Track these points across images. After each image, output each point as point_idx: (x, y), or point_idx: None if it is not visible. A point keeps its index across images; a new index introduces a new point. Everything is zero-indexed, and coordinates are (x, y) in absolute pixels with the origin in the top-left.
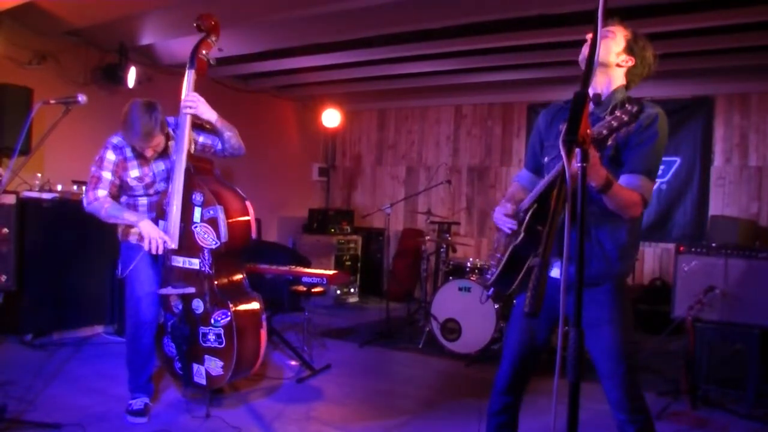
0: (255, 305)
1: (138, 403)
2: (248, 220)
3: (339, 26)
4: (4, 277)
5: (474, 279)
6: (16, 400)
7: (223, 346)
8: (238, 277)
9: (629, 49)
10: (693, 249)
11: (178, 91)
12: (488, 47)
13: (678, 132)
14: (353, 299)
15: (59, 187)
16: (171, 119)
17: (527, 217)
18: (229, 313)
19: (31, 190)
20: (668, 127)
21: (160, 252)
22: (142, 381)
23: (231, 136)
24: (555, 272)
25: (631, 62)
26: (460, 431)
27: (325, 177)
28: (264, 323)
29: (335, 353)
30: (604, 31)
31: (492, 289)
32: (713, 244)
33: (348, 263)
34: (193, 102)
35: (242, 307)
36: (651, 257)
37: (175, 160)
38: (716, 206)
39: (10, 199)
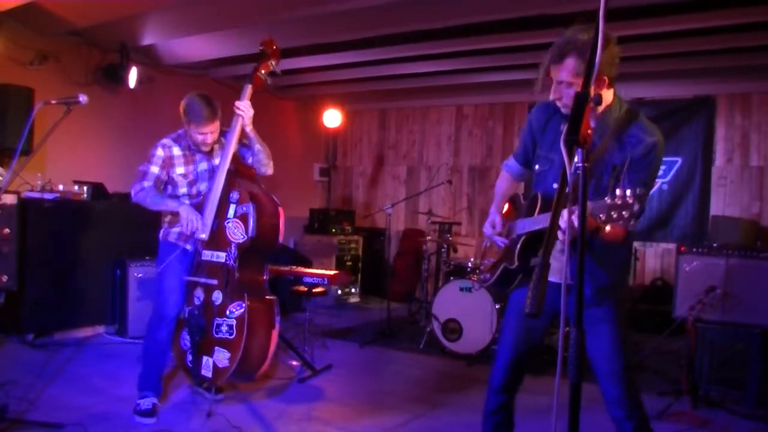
0: (271, 305)
1: (146, 402)
2: (277, 224)
3: (340, 26)
4: (5, 278)
5: (475, 279)
6: (17, 400)
7: (233, 337)
8: (260, 276)
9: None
10: (694, 249)
11: (179, 92)
12: (489, 47)
13: (679, 132)
14: (354, 299)
15: (60, 188)
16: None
17: (519, 246)
18: (243, 305)
19: (32, 190)
20: (669, 127)
21: (193, 229)
22: (153, 378)
23: (260, 150)
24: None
25: (605, 83)
26: (461, 431)
27: (326, 177)
28: (277, 325)
29: (336, 353)
30: (558, 80)
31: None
32: (714, 244)
33: (349, 263)
34: (245, 108)
35: (258, 302)
36: (652, 257)
37: (221, 160)
38: (717, 206)
39: (12, 200)
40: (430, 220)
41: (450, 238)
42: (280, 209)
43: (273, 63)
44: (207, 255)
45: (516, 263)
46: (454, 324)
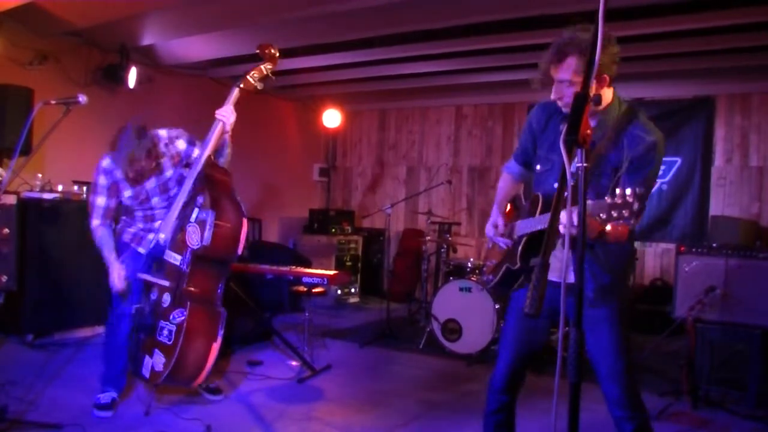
0: (216, 317)
1: (106, 397)
2: (237, 235)
3: (339, 26)
4: (4, 278)
5: (475, 279)
6: (17, 401)
7: (170, 343)
8: (212, 286)
9: (598, 74)
10: (694, 249)
11: (179, 92)
12: (489, 47)
13: (679, 132)
14: (354, 299)
15: (60, 188)
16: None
17: (521, 247)
18: (185, 312)
19: (31, 190)
20: (669, 127)
21: (116, 288)
22: (114, 373)
23: (228, 153)
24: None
25: (606, 81)
26: (461, 431)
27: (325, 177)
28: (219, 338)
29: (336, 353)
30: (559, 78)
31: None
32: (714, 245)
33: (349, 263)
34: (227, 115)
35: (200, 311)
36: (652, 257)
37: (194, 163)
38: (717, 206)
39: (11, 200)
40: (430, 220)
41: (449, 239)
42: (245, 220)
43: (268, 67)
44: (168, 255)
45: (518, 264)
46: (453, 324)
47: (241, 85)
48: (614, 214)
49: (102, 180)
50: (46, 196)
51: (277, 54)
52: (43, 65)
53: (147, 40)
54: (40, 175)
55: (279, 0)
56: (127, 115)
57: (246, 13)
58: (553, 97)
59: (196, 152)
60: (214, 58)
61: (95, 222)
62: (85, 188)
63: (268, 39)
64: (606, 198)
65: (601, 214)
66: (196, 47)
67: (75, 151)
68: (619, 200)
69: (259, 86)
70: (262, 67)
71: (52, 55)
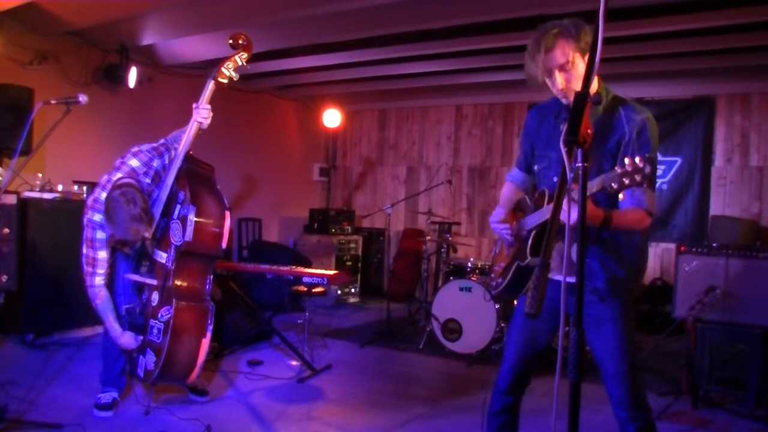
0: (204, 313)
1: (106, 397)
2: (219, 229)
3: (339, 26)
4: (5, 277)
5: (475, 279)
6: (17, 400)
7: (159, 341)
8: (198, 282)
9: (584, 52)
10: (694, 249)
11: (179, 92)
12: (489, 47)
13: (679, 132)
14: (354, 299)
15: (60, 187)
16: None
17: (531, 240)
18: (171, 310)
19: (32, 190)
20: (670, 127)
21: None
22: (114, 374)
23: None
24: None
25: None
26: (461, 431)
27: (325, 177)
28: (209, 334)
29: (336, 353)
30: (558, 64)
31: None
32: (714, 245)
33: (349, 263)
34: (206, 117)
35: (187, 308)
36: (652, 257)
37: (173, 159)
38: (717, 206)
39: (11, 200)
40: (430, 220)
41: (450, 238)
42: (227, 213)
43: (243, 56)
44: (156, 254)
45: (528, 258)
46: (453, 324)
47: (218, 79)
48: (626, 181)
49: (100, 235)
50: (46, 195)
51: (249, 43)
52: (43, 65)
53: (147, 40)
54: (40, 175)
55: (279, 0)
56: (127, 115)
57: (246, 13)
58: (560, 86)
59: (156, 163)
60: (214, 58)
61: (99, 281)
62: (85, 188)
63: (268, 39)
64: (616, 168)
65: (612, 185)
66: (196, 47)
67: (75, 151)
68: (629, 168)
69: (235, 77)
70: (236, 57)
71: (52, 55)
